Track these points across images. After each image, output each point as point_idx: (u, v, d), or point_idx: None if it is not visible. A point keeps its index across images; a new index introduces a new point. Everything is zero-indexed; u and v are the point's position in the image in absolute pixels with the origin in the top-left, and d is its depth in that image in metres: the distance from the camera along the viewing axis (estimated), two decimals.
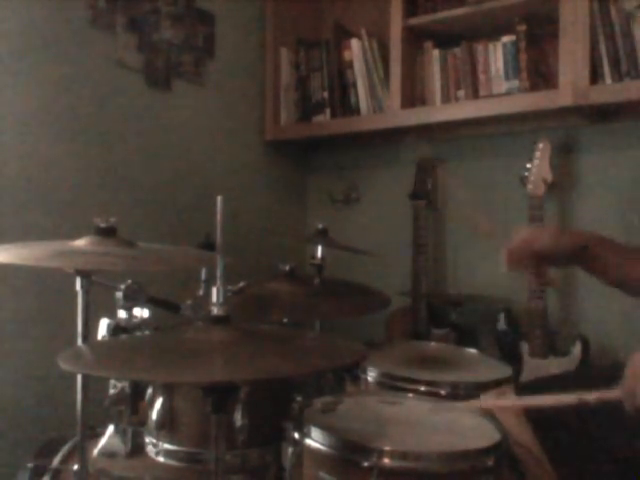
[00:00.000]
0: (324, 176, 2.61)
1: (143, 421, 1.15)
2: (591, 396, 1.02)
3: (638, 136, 1.92)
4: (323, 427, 0.99)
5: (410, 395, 1.27)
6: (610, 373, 1.22)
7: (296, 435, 1.00)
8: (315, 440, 0.98)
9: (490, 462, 0.96)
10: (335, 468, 0.96)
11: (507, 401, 1.21)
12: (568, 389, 1.09)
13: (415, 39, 2.16)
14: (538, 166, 1.91)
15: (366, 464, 0.93)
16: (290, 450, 1.00)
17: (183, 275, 1.47)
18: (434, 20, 2.08)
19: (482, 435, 1.02)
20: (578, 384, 1.17)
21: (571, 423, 1.18)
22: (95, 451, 1.17)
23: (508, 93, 1.99)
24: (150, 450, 1.12)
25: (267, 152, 2.45)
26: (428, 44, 2.16)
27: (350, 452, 0.95)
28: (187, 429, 1.09)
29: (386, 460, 0.93)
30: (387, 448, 0.93)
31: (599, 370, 1.48)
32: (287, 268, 1.57)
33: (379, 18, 2.23)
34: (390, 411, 1.14)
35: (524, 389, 1.27)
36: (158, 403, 1.09)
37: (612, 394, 1.00)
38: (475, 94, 2.07)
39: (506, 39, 1.99)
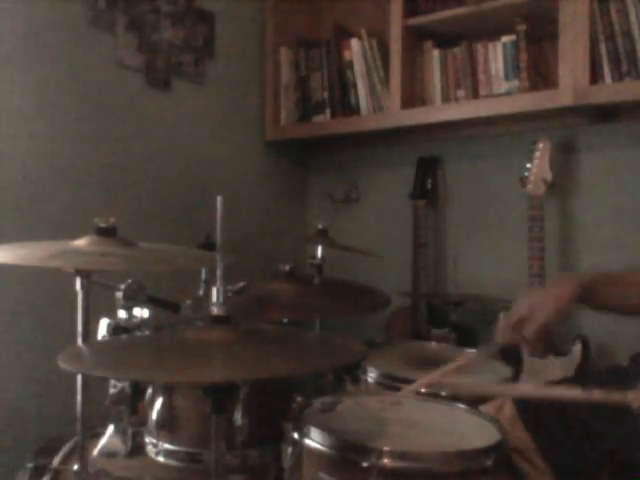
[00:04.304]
0: (324, 176, 2.61)
1: (143, 421, 1.15)
2: (596, 393, 1.01)
3: (638, 136, 1.92)
4: (322, 427, 0.99)
5: (409, 395, 1.26)
6: (610, 377, 1.22)
7: (295, 435, 1.00)
8: (314, 440, 0.98)
9: (489, 462, 0.96)
10: (334, 468, 0.96)
11: (516, 389, 1.19)
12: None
13: (415, 39, 2.16)
14: (538, 166, 1.91)
15: (365, 464, 0.93)
16: (289, 450, 1.00)
17: (183, 275, 1.47)
18: (434, 20, 2.08)
19: (481, 435, 1.02)
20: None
21: (571, 425, 1.17)
22: (95, 451, 1.17)
23: (508, 93, 1.99)
24: (150, 450, 1.13)
25: (267, 152, 2.45)
26: (428, 44, 2.16)
27: (349, 452, 0.95)
28: (187, 429, 1.09)
29: (385, 460, 0.92)
30: (386, 448, 0.93)
31: (598, 374, 1.47)
32: (287, 268, 1.57)
33: (379, 18, 2.23)
34: (390, 411, 1.14)
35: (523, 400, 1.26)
36: (158, 403, 1.10)
37: (618, 396, 0.99)
38: (475, 94, 2.07)
39: (506, 39, 1.99)
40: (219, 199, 0.96)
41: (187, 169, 2.13)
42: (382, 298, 1.67)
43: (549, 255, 1.91)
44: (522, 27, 1.94)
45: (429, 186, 2.21)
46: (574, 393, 1.03)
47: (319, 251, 1.70)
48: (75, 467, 1.10)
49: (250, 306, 1.44)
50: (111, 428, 1.19)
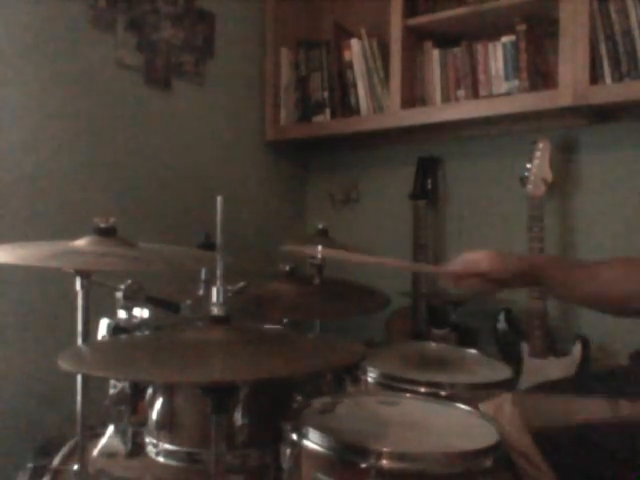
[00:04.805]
0: (324, 176, 2.61)
1: (143, 421, 1.15)
2: (625, 408, 0.99)
3: (638, 136, 1.92)
4: (321, 428, 0.99)
5: (409, 395, 1.26)
6: (609, 377, 1.22)
7: (294, 436, 1.00)
8: (313, 441, 0.98)
9: (488, 463, 0.96)
10: (333, 469, 0.96)
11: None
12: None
13: (415, 39, 2.16)
14: (538, 166, 1.91)
15: (364, 465, 0.93)
16: (288, 451, 1.00)
17: (183, 275, 1.47)
18: (434, 20, 2.08)
19: (481, 436, 1.02)
20: (577, 390, 1.16)
21: (571, 425, 1.17)
22: (95, 451, 1.17)
23: (508, 93, 1.99)
24: (150, 450, 1.13)
25: (267, 152, 2.45)
26: (428, 44, 2.16)
27: (348, 453, 0.95)
28: (187, 429, 1.10)
29: (384, 461, 0.92)
30: (385, 449, 0.93)
31: (598, 374, 1.47)
32: (287, 268, 1.58)
33: (379, 18, 2.23)
34: (389, 412, 1.14)
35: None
36: (158, 403, 1.10)
37: None
38: (475, 94, 2.07)
39: (506, 39, 1.99)
40: (219, 199, 0.96)
41: (187, 169, 2.13)
42: (382, 298, 1.67)
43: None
44: (522, 27, 1.94)
45: (429, 186, 2.21)
46: (603, 412, 1.01)
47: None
48: (75, 467, 1.10)
49: (250, 306, 1.44)
50: (111, 428, 1.19)
